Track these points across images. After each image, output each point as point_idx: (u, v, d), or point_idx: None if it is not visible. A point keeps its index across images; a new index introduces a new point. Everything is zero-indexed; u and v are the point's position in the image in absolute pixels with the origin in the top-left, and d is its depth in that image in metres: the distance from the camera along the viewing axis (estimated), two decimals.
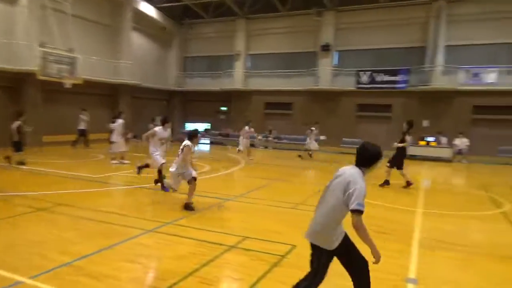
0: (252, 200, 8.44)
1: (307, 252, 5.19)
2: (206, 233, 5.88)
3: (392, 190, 10.53)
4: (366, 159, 3.31)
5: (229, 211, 7.46)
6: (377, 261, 3.24)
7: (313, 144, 18.18)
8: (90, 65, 20.31)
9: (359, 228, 3.12)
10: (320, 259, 3.44)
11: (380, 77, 22.90)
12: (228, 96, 27.95)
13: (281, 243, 5.51)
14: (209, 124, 28.68)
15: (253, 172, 13.35)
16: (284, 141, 24.14)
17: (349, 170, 3.31)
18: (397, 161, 10.72)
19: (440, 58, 22.07)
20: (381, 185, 10.70)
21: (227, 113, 28.80)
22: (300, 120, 24.97)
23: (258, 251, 5.14)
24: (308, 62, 25.61)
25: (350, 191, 3.14)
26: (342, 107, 24.52)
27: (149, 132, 9.21)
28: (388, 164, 10.71)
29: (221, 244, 5.31)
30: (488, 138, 20.89)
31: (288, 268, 4.63)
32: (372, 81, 23.04)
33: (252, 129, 17.11)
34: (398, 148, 10.81)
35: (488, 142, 20.59)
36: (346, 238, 3.49)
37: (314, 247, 3.50)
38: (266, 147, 23.58)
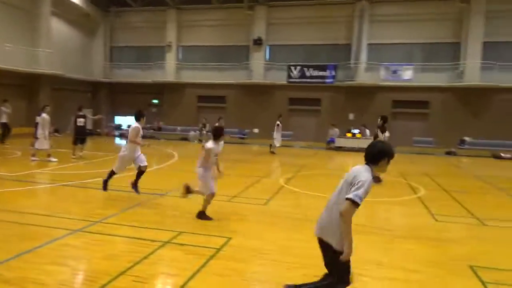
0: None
1: (243, 243, 5.29)
2: (138, 230, 5.68)
3: (321, 180, 11.06)
4: (373, 155, 3.23)
5: (163, 206, 7.28)
6: (344, 257, 3.11)
7: (277, 140, 18.21)
8: (4, 52, 18.43)
9: (346, 217, 3.05)
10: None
11: (310, 72, 23.77)
12: (160, 89, 27.14)
13: (217, 236, 5.51)
14: None
15: (188, 166, 13.15)
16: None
17: (357, 167, 3.25)
18: None
19: (363, 56, 23.52)
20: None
21: (159, 106, 27.96)
22: (234, 113, 25.09)
23: (193, 245, 5.09)
24: (241, 56, 25.75)
25: (354, 183, 3.12)
26: (274, 100, 25.06)
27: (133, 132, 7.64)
28: None
29: (154, 241, 5.16)
30: (405, 130, 22.77)
31: (224, 260, 4.65)
32: (303, 75, 23.84)
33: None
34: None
35: (405, 133, 22.45)
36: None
37: (324, 247, 3.38)
38: (200, 141, 23.30)
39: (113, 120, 28.63)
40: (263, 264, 4.65)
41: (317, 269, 4.49)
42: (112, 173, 7.75)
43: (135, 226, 5.83)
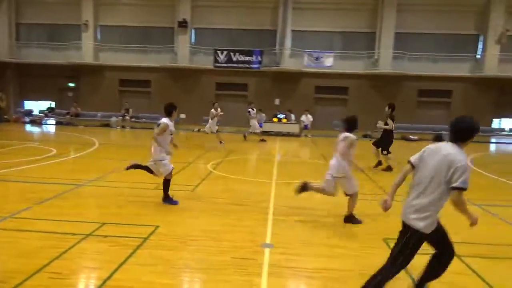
0: (109, 183, 7.92)
1: (170, 231, 5.20)
2: (56, 223, 5.29)
3: (249, 165, 11.25)
4: (464, 132, 3.11)
5: (84, 197, 6.85)
6: (473, 223, 3.21)
7: (253, 127, 18.03)
8: None
9: (460, 204, 3.08)
10: (409, 242, 3.30)
11: (236, 57, 23.79)
12: (76, 71, 25.20)
13: (143, 225, 5.35)
14: (53, 103, 25.47)
15: (109, 154, 12.50)
16: (143, 120, 23.14)
17: (447, 149, 3.12)
18: (382, 143, 10.89)
19: (288, 42, 24.12)
20: (375, 167, 10.93)
21: (76, 90, 25.99)
22: (159, 98, 24.27)
23: (118, 236, 4.88)
24: (166, 38, 24.87)
25: (453, 169, 3.01)
26: (201, 85, 24.72)
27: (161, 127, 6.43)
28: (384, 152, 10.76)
29: (75, 234, 4.85)
30: (326, 114, 24.02)
31: (151, 249, 4.54)
32: (229, 60, 23.78)
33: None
34: (385, 131, 10.85)
35: (326, 118, 23.69)
36: (439, 224, 3.41)
37: (406, 229, 3.39)
38: (123, 127, 22.25)
39: (22, 105, 26.02)
40: (192, 250, 4.63)
41: (248, 252, 4.61)
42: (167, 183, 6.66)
43: (52, 220, 5.42)
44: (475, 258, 4.64)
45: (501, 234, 5.67)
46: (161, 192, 6.70)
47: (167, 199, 6.61)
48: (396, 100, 23.84)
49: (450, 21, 24.02)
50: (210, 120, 15.82)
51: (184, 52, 24.41)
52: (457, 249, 4.90)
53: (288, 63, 23.95)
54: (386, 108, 10.93)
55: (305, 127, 21.43)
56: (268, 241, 5.00)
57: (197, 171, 9.77)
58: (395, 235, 5.28)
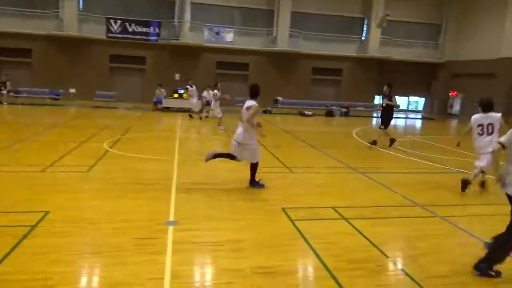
0: None
1: (63, 216, 4.81)
2: None
3: (149, 142, 10.87)
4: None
5: None
6: None
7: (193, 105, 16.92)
8: None
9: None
10: None
11: (132, 28, 22.26)
12: None
13: (30, 211, 4.85)
14: None
15: None
16: (24, 94, 20.51)
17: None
18: (387, 119, 11.60)
19: (187, 15, 23.39)
20: (372, 144, 11.49)
21: None
22: (43, 70, 21.77)
23: (1, 226, 4.36)
24: (49, 2, 22.09)
25: None
26: (93, 57, 22.75)
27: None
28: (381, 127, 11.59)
29: None
30: (229, 91, 24.14)
31: (41, 237, 4.15)
32: (124, 31, 22.16)
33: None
34: (386, 109, 11.49)
35: (228, 93, 23.86)
36: None
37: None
38: (0, 103, 19.46)
39: None
40: (89, 235, 4.36)
41: (151, 231, 4.50)
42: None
43: None
44: (359, 220, 5.24)
45: (380, 197, 6.47)
46: (49, 174, 6.11)
47: (254, 183, 6.50)
48: (292, 77, 25.23)
49: (340, 3, 25.79)
50: (213, 102, 14.78)
51: (71, 19, 22.02)
52: (344, 212, 5.48)
53: (188, 37, 23.32)
54: (385, 88, 11.51)
55: (207, 103, 21.28)
56: (171, 218, 4.95)
57: (92, 150, 9.08)
58: (293, 205, 5.70)
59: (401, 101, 29.24)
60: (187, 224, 4.80)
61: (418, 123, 22.89)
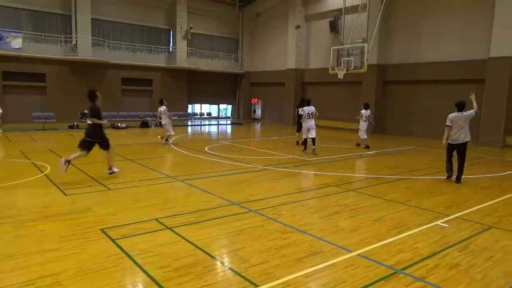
0: None
1: None
2: None
3: None
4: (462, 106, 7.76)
5: None
6: None
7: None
8: None
9: None
10: None
11: None
12: None
13: None
14: None
15: None
16: None
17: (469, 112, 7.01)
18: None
19: None
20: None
21: None
22: None
23: None
24: None
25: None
26: None
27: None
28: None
29: None
30: (22, 105, 20.93)
31: None
32: None
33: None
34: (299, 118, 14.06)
35: (24, 109, 20.69)
36: None
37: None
38: None
39: None
40: None
41: None
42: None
43: None
44: (183, 227, 5.37)
45: (200, 202, 6.78)
46: None
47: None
48: (100, 88, 23.61)
49: (145, 14, 25.71)
50: (166, 120, 14.46)
51: None
52: (168, 222, 5.54)
53: None
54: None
55: None
56: None
57: None
58: (113, 224, 5.38)
59: (212, 108, 31.33)
60: None
61: (228, 128, 24.89)
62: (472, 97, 8.98)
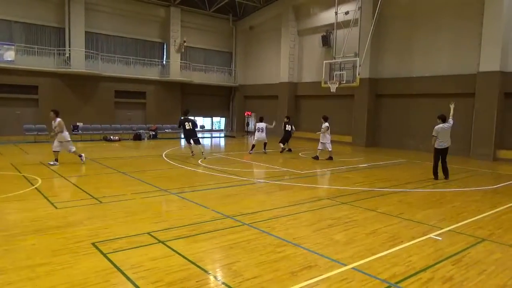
0: None
1: None
2: None
3: None
4: (444, 119, 8.86)
5: None
6: None
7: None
8: None
9: None
10: None
11: None
12: None
13: None
14: None
15: None
16: None
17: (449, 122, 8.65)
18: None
19: None
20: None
21: None
22: None
23: None
24: None
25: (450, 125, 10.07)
26: None
27: None
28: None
29: None
30: (15, 117, 20.79)
31: None
32: None
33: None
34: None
35: (14, 121, 20.56)
36: None
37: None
38: None
39: None
40: None
41: None
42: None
43: None
44: (176, 240, 5.31)
45: (193, 215, 6.73)
46: None
47: None
48: (94, 101, 23.57)
49: (139, 27, 25.86)
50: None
51: None
52: (160, 236, 5.48)
53: None
54: (285, 119, 16.91)
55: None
56: None
57: None
58: (105, 238, 5.31)
59: (206, 121, 31.31)
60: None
61: (222, 141, 24.87)
62: (451, 106, 10.71)
